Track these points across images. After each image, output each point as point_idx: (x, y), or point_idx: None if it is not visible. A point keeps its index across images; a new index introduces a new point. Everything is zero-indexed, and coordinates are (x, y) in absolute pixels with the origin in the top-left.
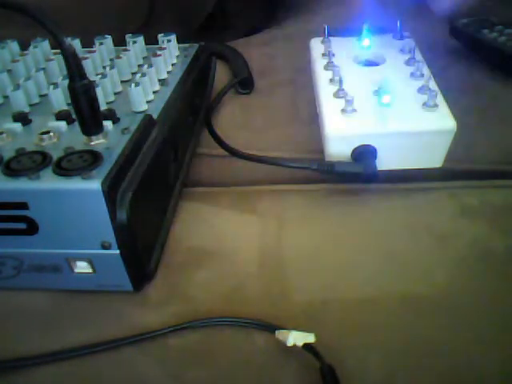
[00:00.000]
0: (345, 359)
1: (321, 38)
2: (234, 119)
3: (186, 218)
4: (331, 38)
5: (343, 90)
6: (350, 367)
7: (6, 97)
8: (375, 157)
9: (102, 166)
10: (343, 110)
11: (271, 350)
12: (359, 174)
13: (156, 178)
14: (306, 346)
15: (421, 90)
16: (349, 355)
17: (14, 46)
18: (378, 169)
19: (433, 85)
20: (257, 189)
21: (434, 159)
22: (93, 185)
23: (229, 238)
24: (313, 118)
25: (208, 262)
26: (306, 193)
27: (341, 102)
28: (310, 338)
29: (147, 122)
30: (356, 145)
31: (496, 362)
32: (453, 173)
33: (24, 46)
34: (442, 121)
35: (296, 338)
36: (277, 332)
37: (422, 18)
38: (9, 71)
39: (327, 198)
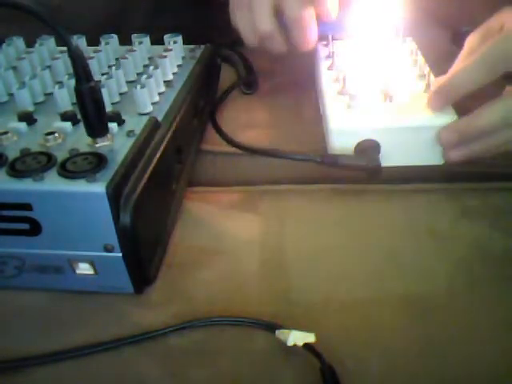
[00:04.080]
0: (345, 359)
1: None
2: (238, 118)
3: (188, 218)
4: (335, 39)
5: (347, 88)
6: (350, 367)
7: (10, 94)
8: (379, 152)
9: (107, 169)
10: (347, 105)
11: (271, 350)
12: (363, 167)
13: (160, 181)
14: (307, 346)
15: (423, 90)
16: (349, 355)
17: (19, 42)
18: (382, 165)
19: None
20: (258, 189)
21: (436, 156)
22: (97, 188)
23: (230, 237)
24: (316, 118)
25: (209, 262)
26: (308, 193)
27: (345, 99)
28: (310, 338)
29: (152, 124)
30: (359, 139)
31: (496, 363)
32: (453, 174)
33: (30, 43)
34: (445, 117)
35: (296, 338)
36: (277, 332)
37: (423, 25)
38: (14, 68)
39: (328, 198)
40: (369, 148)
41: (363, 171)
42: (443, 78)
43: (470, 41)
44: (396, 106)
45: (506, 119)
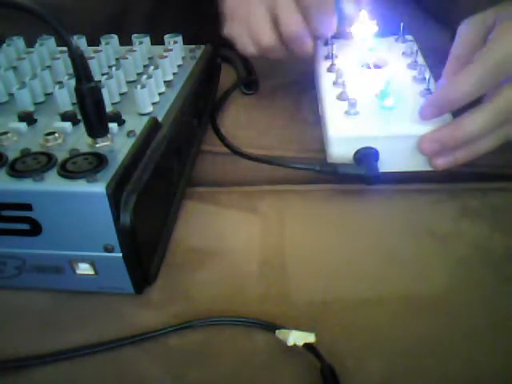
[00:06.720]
0: (345, 359)
1: (324, 40)
2: (239, 119)
3: (187, 218)
4: (334, 39)
5: (346, 92)
6: (350, 367)
7: (11, 94)
8: (377, 159)
9: (107, 170)
10: (346, 113)
11: (272, 350)
12: (361, 175)
13: (160, 181)
14: (307, 346)
15: (423, 93)
16: (349, 355)
17: (19, 42)
18: (380, 171)
19: (435, 88)
20: (258, 189)
21: None
22: (97, 188)
23: (230, 237)
24: (316, 119)
25: (209, 262)
26: (308, 193)
27: (344, 105)
28: (310, 338)
29: (152, 124)
30: (358, 147)
31: (496, 363)
32: (454, 175)
33: (30, 43)
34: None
35: (296, 338)
36: (277, 332)
37: (424, 23)
38: (14, 68)
39: (328, 198)
40: (367, 155)
41: (362, 180)
42: (438, 91)
43: (464, 33)
44: (395, 113)
45: (485, 129)
